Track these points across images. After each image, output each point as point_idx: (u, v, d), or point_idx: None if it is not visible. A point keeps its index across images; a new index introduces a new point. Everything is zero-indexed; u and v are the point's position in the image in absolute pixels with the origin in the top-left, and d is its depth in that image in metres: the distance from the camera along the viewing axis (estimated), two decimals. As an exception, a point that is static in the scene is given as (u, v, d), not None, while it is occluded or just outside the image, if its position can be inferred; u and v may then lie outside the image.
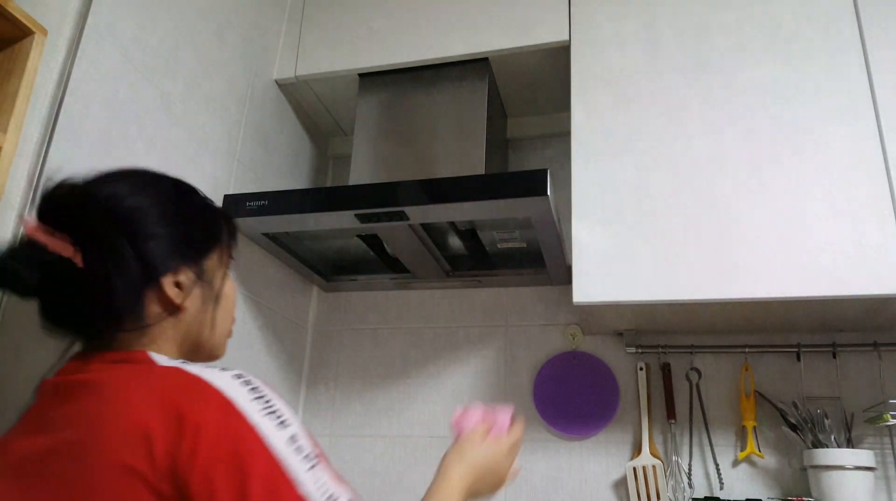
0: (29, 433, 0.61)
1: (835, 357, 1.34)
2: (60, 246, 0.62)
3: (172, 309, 0.68)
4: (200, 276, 0.70)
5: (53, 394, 0.63)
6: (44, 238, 0.62)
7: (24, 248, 0.64)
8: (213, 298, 0.72)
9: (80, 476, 0.54)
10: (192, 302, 0.69)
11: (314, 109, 1.72)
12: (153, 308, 0.66)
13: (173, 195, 0.72)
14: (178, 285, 0.68)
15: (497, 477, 0.83)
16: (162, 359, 0.64)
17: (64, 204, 0.66)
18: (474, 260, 1.50)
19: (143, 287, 0.65)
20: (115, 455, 0.53)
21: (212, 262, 0.72)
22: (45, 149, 0.95)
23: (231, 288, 0.78)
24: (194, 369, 0.60)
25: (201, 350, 0.73)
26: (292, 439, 0.57)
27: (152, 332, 0.67)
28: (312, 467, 0.57)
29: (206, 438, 0.53)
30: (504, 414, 0.86)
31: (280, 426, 0.57)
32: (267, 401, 0.58)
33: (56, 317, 0.67)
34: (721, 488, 1.32)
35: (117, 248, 0.64)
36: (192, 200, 0.74)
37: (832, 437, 1.24)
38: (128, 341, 0.66)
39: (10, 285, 0.65)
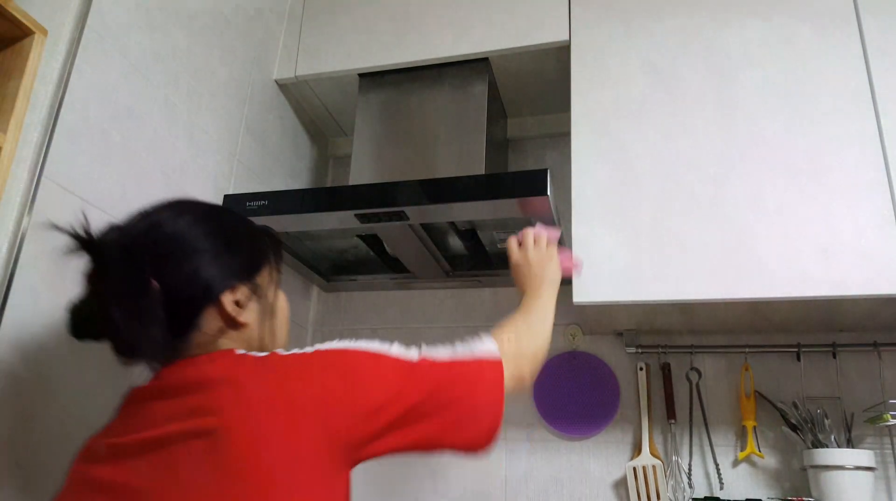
0: (131, 431, 0.67)
1: (835, 357, 1.34)
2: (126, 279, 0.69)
3: (233, 324, 0.74)
4: (255, 291, 0.76)
5: (152, 398, 0.69)
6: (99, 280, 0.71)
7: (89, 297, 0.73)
8: (270, 311, 0.79)
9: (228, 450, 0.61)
10: (250, 316, 0.75)
11: (314, 109, 1.72)
12: (214, 324, 0.72)
13: (219, 220, 0.79)
14: (236, 302, 0.74)
15: (552, 265, 1.05)
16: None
17: (119, 245, 0.71)
18: (474, 260, 1.50)
19: (203, 305, 0.72)
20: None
21: (263, 278, 0.79)
22: (45, 149, 0.95)
23: (283, 300, 0.85)
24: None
25: None
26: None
27: (218, 344, 0.73)
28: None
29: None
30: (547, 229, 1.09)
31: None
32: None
33: (130, 352, 0.73)
34: (721, 488, 1.32)
35: (175, 272, 0.71)
36: (237, 222, 0.83)
37: (832, 437, 1.24)
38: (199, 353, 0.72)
39: (83, 334, 0.75)
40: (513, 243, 1.08)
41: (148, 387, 0.71)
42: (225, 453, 0.61)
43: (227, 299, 0.73)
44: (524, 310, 0.97)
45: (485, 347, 0.83)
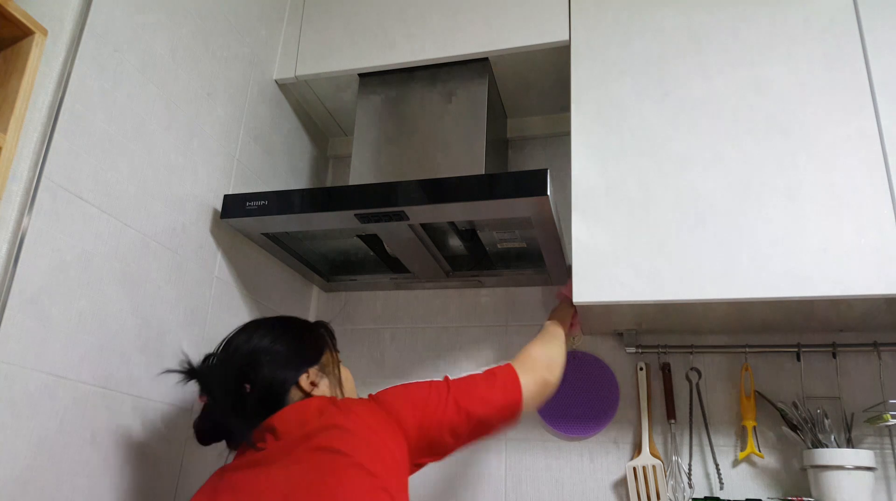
0: (260, 455, 0.92)
1: (835, 357, 1.34)
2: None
3: (307, 395, 0.99)
4: (322, 370, 1.03)
5: (269, 430, 0.93)
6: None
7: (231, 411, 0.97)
8: (337, 381, 1.05)
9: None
10: (323, 389, 1.01)
11: (314, 109, 1.72)
12: (297, 395, 0.98)
13: (282, 327, 1.06)
14: (311, 383, 1.00)
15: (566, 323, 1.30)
16: None
17: (234, 362, 1.00)
18: (474, 260, 1.50)
19: (286, 391, 0.98)
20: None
21: (327, 358, 1.05)
22: (45, 149, 0.95)
23: (346, 372, 1.10)
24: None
25: None
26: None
27: None
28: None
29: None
30: None
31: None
32: None
33: (238, 440, 0.98)
34: (721, 488, 1.32)
35: (260, 375, 0.97)
36: (296, 324, 1.09)
37: (832, 437, 1.24)
38: None
39: (208, 442, 1.00)
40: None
41: (266, 425, 0.94)
42: (340, 443, 0.86)
43: (304, 381, 0.99)
44: (546, 337, 1.21)
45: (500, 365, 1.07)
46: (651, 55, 1.32)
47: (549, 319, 1.29)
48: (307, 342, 1.05)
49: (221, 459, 0.99)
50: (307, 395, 0.98)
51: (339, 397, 1.04)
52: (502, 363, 1.07)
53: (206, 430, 0.99)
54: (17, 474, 0.88)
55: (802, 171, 1.16)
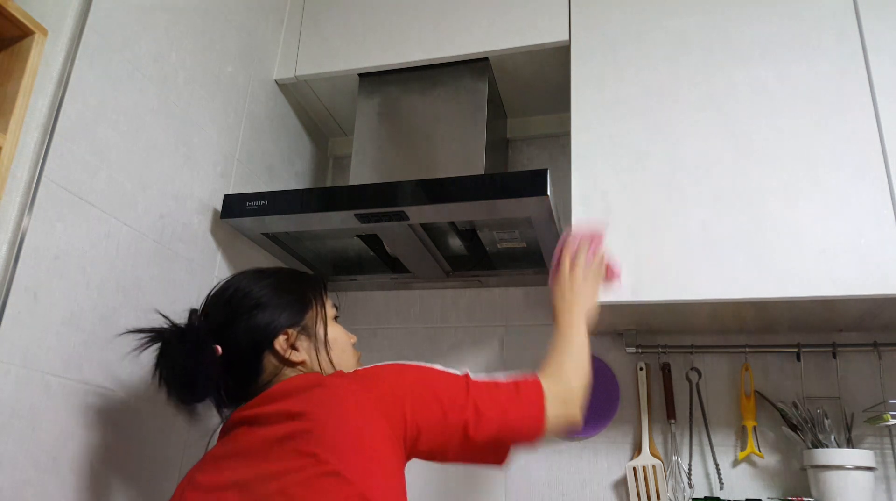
0: (229, 446, 0.81)
1: (835, 357, 1.34)
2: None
3: (289, 363, 0.89)
4: (304, 331, 0.91)
5: (241, 423, 0.82)
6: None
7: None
8: (322, 344, 0.92)
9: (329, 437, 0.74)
10: (303, 354, 0.90)
11: (314, 109, 1.72)
12: (272, 363, 0.88)
13: (266, 275, 0.95)
14: (292, 346, 0.89)
15: (593, 291, 1.06)
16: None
17: (211, 318, 0.92)
18: (474, 260, 1.50)
19: (259, 354, 0.88)
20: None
21: (310, 318, 0.93)
22: (45, 149, 0.95)
23: (338, 332, 0.97)
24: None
25: None
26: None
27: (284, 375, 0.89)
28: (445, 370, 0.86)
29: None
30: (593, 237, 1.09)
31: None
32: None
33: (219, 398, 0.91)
34: (721, 488, 1.32)
35: (233, 332, 0.88)
36: (282, 274, 0.97)
37: (832, 437, 1.24)
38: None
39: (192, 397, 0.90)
40: (566, 260, 1.07)
41: (235, 417, 0.83)
42: (314, 443, 0.73)
43: (280, 344, 0.88)
44: (563, 345, 0.97)
45: (528, 377, 0.90)
46: (651, 55, 1.31)
47: (555, 316, 1.06)
48: (292, 295, 0.93)
49: None
50: (285, 362, 0.88)
51: (327, 365, 0.92)
52: (528, 374, 0.91)
53: (191, 393, 0.89)
54: (17, 474, 0.88)
55: (802, 171, 1.16)
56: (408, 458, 0.81)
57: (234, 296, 0.91)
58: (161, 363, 0.89)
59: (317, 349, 0.91)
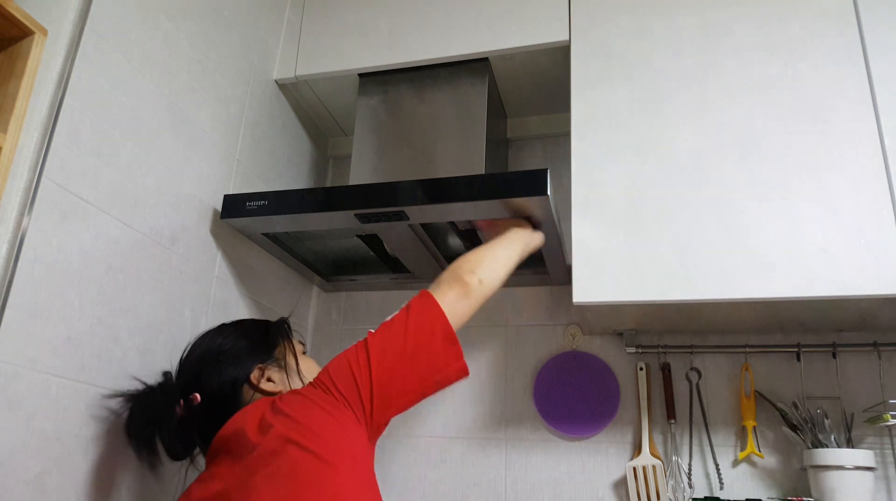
0: (213, 467, 0.91)
1: (835, 357, 1.34)
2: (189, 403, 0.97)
3: (263, 393, 0.98)
4: (276, 364, 1.02)
5: (230, 441, 0.90)
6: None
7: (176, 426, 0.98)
8: (295, 372, 1.03)
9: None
10: (280, 384, 1.00)
11: (314, 109, 1.72)
12: (249, 393, 0.98)
13: (230, 328, 1.05)
14: (268, 379, 0.99)
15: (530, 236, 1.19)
16: None
17: (186, 373, 1.02)
18: (474, 260, 1.50)
19: (237, 391, 0.98)
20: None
21: (280, 351, 1.04)
22: (45, 149, 0.95)
23: (309, 362, 1.08)
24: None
25: None
26: None
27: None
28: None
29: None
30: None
31: None
32: None
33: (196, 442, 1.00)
34: (721, 488, 1.32)
35: (209, 381, 0.98)
36: (245, 323, 1.08)
37: (832, 437, 1.24)
38: None
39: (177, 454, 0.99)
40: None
41: (222, 436, 0.91)
42: (278, 450, 0.82)
43: (255, 377, 0.98)
44: (488, 248, 1.10)
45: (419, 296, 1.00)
46: (651, 55, 1.32)
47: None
48: (258, 339, 1.04)
49: None
50: (260, 392, 0.98)
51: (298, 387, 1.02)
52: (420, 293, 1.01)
53: (169, 448, 0.98)
54: (16, 474, 0.88)
55: (802, 171, 1.16)
56: (379, 425, 0.91)
57: (206, 349, 1.01)
58: (132, 424, 0.98)
59: (289, 377, 1.02)
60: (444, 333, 0.94)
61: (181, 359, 1.04)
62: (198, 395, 0.96)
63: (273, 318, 1.13)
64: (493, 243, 1.11)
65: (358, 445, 0.86)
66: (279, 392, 0.98)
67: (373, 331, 0.95)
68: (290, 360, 1.04)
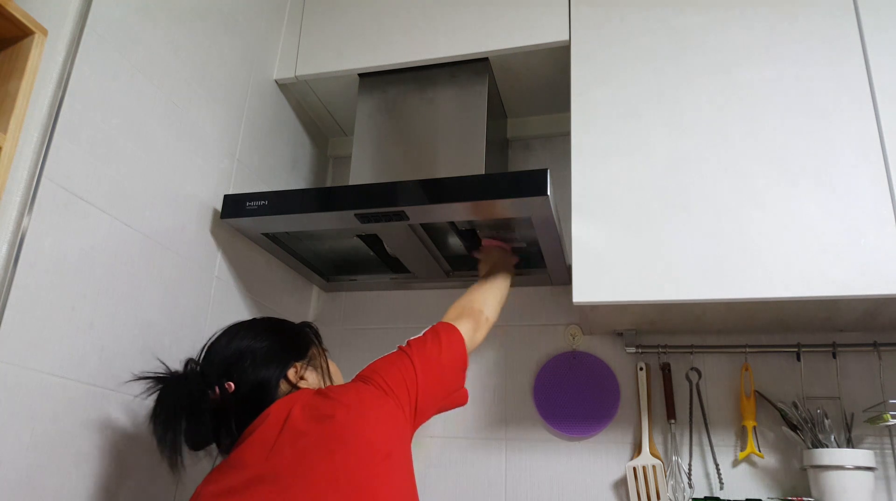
0: (248, 452, 0.91)
1: (835, 357, 1.34)
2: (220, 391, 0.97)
3: (296, 387, 1.01)
4: (310, 363, 1.05)
5: (269, 430, 0.92)
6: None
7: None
8: (325, 374, 1.08)
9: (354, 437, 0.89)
10: (311, 379, 1.04)
11: (314, 109, 1.72)
12: (286, 388, 1.01)
13: (263, 326, 1.07)
14: (301, 377, 1.02)
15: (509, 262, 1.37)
16: None
17: (216, 363, 1.01)
18: (474, 260, 1.50)
19: (275, 386, 0.99)
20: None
21: (313, 353, 1.08)
22: (45, 149, 0.95)
23: (334, 365, 1.13)
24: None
25: None
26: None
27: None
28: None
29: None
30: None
31: None
32: None
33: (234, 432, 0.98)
34: (721, 488, 1.32)
35: (243, 374, 0.99)
36: (277, 322, 1.11)
37: (832, 437, 1.24)
38: None
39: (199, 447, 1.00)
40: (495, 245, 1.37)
41: (256, 422, 0.94)
42: (338, 436, 0.87)
43: (292, 375, 1.01)
44: (487, 288, 1.26)
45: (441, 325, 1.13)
46: (651, 55, 1.32)
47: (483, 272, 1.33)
48: (292, 338, 1.07)
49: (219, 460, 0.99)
50: (296, 388, 1.01)
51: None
52: (436, 323, 1.13)
53: (195, 434, 0.97)
54: (16, 474, 0.88)
55: (802, 171, 1.16)
56: (412, 423, 0.99)
57: (244, 342, 1.02)
58: (165, 405, 0.95)
59: (322, 379, 1.07)
60: (462, 362, 1.09)
61: (208, 348, 1.03)
62: (231, 384, 0.97)
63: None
64: (491, 283, 1.27)
65: (407, 440, 0.95)
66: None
67: (403, 345, 1.06)
68: (323, 362, 1.09)
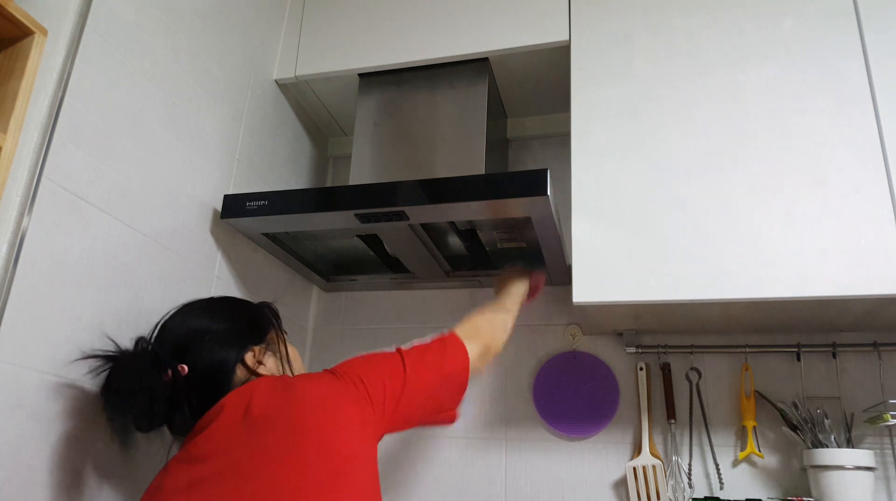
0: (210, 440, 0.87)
1: (835, 357, 1.34)
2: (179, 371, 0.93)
3: (254, 373, 0.97)
4: (268, 348, 1.02)
5: (228, 419, 0.88)
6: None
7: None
8: (284, 359, 1.04)
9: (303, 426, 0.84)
10: (269, 368, 1.00)
11: (314, 109, 1.72)
12: (243, 374, 0.97)
13: (220, 306, 1.04)
14: (258, 361, 0.98)
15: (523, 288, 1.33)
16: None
17: (169, 342, 0.97)
18: (474, 260, 1.50)
19: (231, 369, 0.95)
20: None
21: (271, 337, 1.04)
22: (45, 149, 0.95)
23: (294, 350, 1.09)
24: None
25: None
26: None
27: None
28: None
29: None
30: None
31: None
32: None
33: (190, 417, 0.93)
34: (721, 488, 1.32)
35: (198, 355, 0.95)
36: (239, 303, 1.07)
37: (832, 437, 1.24)
38: None
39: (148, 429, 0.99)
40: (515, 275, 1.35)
41: (213, 412, 0.89)
42: (301, 431, 0.83)
43: (249, 359, 0.97)
44: (495, 314, 1.22)
45: (445, 333, 1.09)
46: (651, 55, 1.32)
47: (501, 293, 1.31)
48: (251, 321, 1.03)
49: None
50: (254, 374, 0.97)
51: (289, 375, 1.02)
52: (446, 332, 1.09)
53: (144, 415, 0.94)
54: (16, 474, 0.88)
55: (802, 171, 1.16)
56: (383, 427, 0.94)
57: (198, 323, 0.98)
58: (115, 387, 0.93)
59: (279, 363, 1.03)
60: (461, 385, 1.05)
61: (161, 326, 1.00)
62: (185, 366, 0.93)
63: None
64: (509, 313, 1.24)
65: (374, 441, 0.91)
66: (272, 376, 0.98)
67: (403, 348, 1.02)
68: (282, 348, 1.05)
